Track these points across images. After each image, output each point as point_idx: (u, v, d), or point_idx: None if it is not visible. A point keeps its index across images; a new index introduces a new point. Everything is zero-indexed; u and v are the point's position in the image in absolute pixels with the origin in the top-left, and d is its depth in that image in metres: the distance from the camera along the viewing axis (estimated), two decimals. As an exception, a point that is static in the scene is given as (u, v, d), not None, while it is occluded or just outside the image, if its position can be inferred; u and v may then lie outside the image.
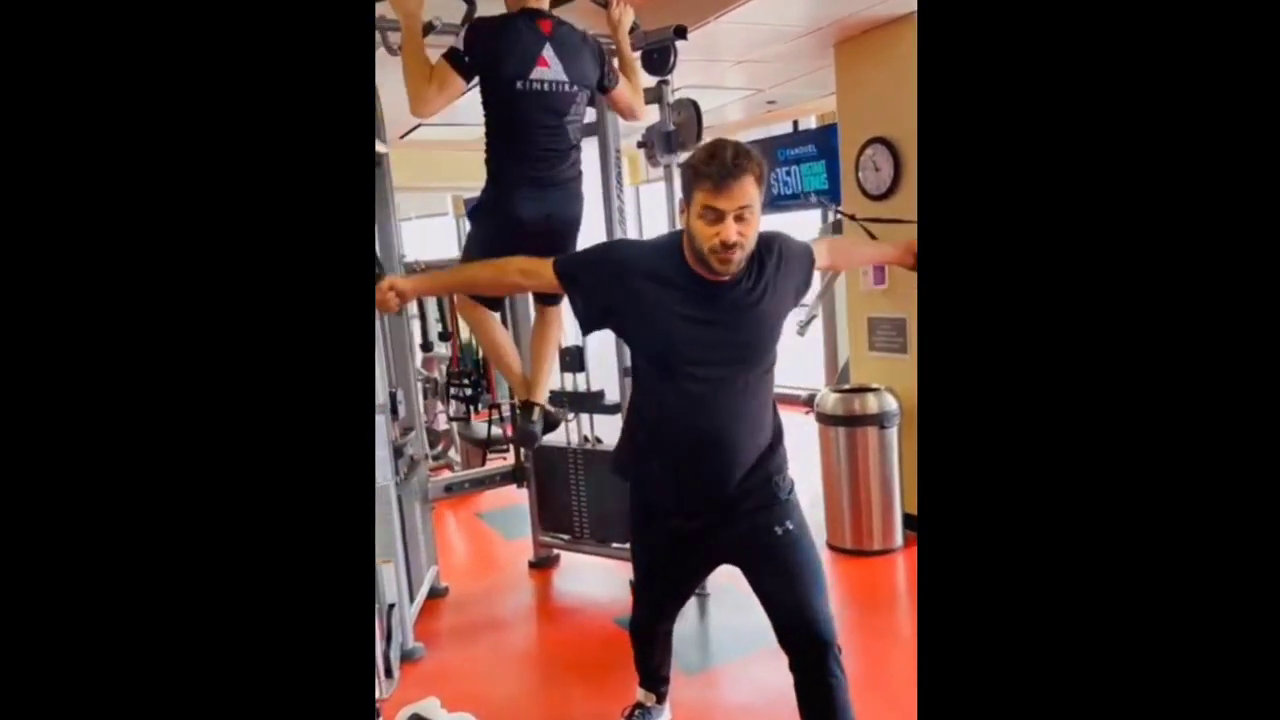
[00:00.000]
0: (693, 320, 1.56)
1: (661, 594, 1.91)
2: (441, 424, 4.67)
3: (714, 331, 1.57)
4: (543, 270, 1.68)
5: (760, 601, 1.68)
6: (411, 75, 2.18)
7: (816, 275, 1.83)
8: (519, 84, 2.23)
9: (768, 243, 1.62)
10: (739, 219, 1.48)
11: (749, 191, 1.48)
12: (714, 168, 1.47)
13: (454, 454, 4.78)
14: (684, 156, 2.72)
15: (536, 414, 2.48)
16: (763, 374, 1.65)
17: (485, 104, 2.33)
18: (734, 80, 3.97)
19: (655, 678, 2.07)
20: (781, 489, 1.71)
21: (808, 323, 4.27)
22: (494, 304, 2.57)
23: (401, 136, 5.19)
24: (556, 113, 2.30)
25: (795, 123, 5.76)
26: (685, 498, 1.67)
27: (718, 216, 1.47)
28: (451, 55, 2.17)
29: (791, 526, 1.68)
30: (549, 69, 2.25)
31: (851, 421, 3.23)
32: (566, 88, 2.29)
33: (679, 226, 1.62)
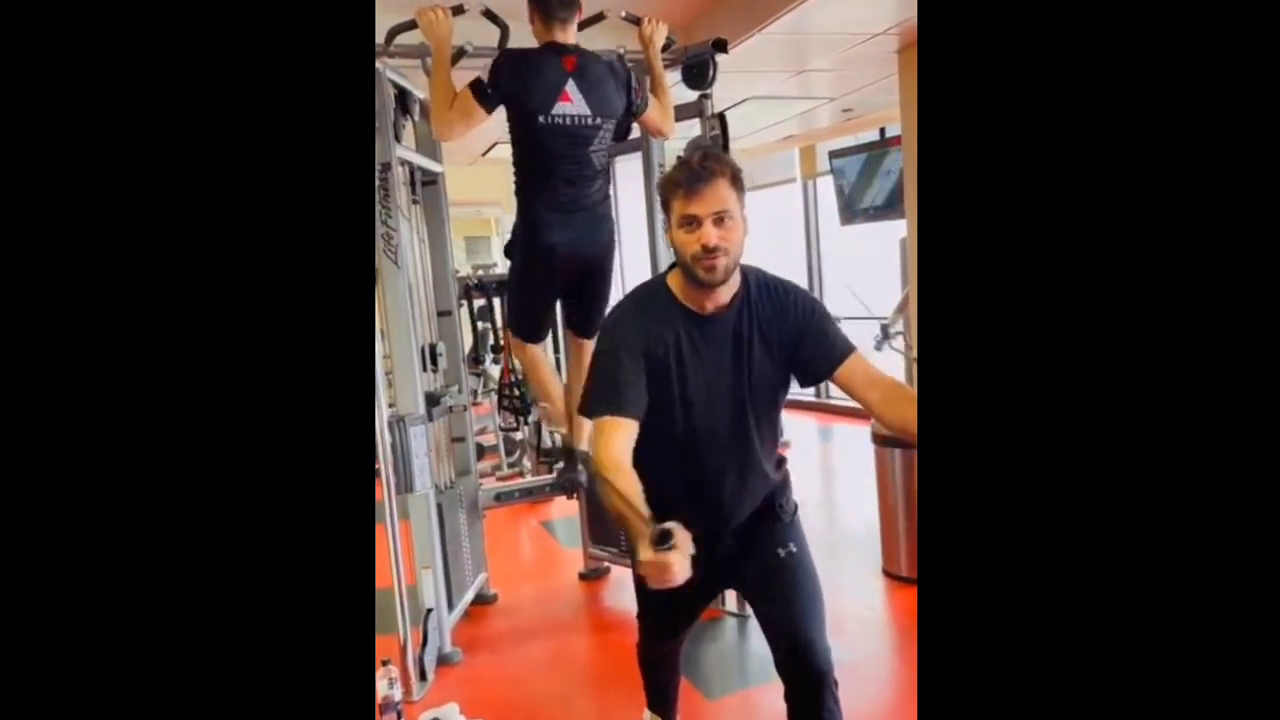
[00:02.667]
0: (687, 356, 1.53)
1: (664, 619, 1.87)
2: (518, 434, 4.80)
3: (709, 368, 1.54)
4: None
5: (760, 626, 1.64)
6: (436, 101, 2.27)
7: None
8: (541, 118, 2.30)
9: (782, 287, 1.59)
10: (718, 223, 1.45)
11: (723, 194, 1.46)
12: (683, 174, 1.46)
13: (526, 461, 4.90)
14: (781, 165, 2.70)
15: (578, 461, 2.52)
16: (766, 409, 1.60)
17: (512, 137, 2.41)
18: (793, 90, 3.89)
19: (662, 700, 2.04)
20: (785, 511, 1.67)
21: (885, 338, 4.12)
22: (537, 338, 2.64)
23: (484, 154, 5.38)
24: (580, 145, 2.35)
25: (882, 130, 5.58)
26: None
27: (695, 222, 1.46)
28: (475, 86, 2.25)
29: (794, 549, 1.63)
30: (571, 104, 2.31)
31: (908, 443, 3.09)
32: (590, 121, 2.35)
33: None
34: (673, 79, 2.73)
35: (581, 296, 2.57)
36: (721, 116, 2.65)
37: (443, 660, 2.68)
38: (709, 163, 1.46)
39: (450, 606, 2.81)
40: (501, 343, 3.25)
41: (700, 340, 1.53)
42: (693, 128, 2.80)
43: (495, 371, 4.35)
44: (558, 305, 2.76)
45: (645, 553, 1.23)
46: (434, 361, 2.79)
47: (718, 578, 1.75)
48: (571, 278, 2.48)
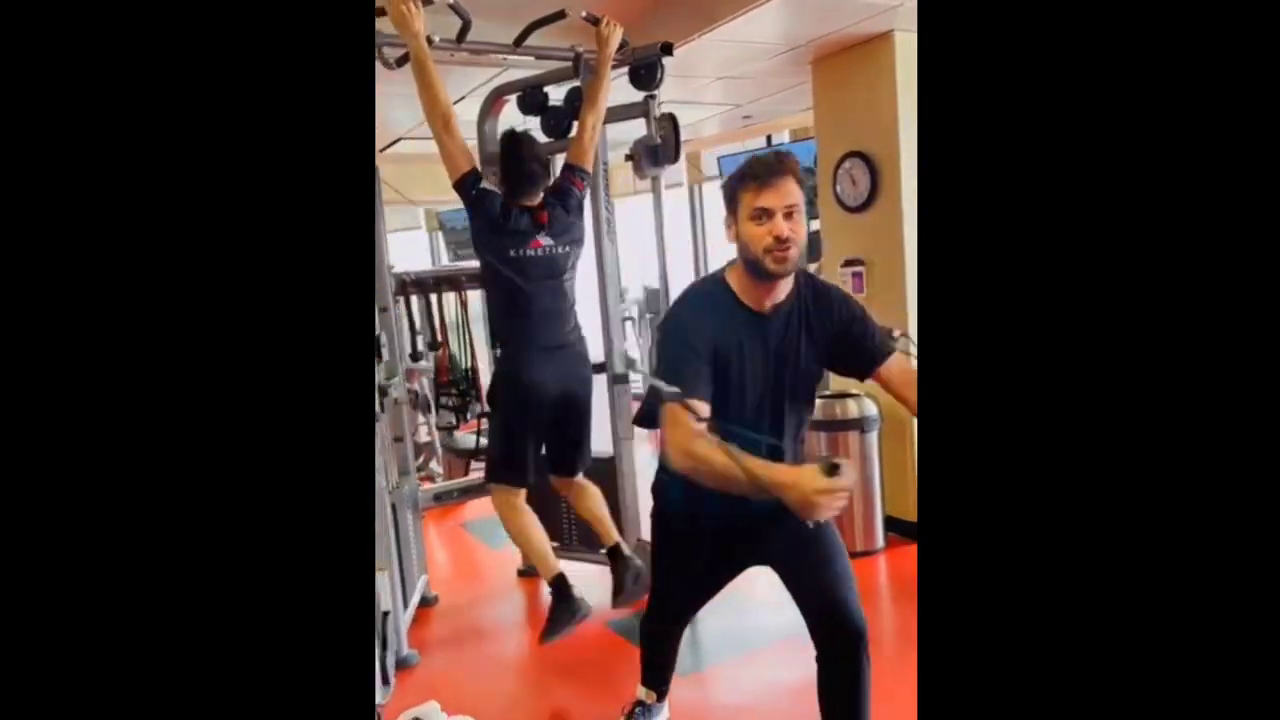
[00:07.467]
0: (748, 357, 1.62)
1: (683, 597, 1.94)
2: (423, 436, 4.68)
3: (761, 367, 1.64)
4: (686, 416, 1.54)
5: (792, 595, 1.72)
6: (428, 99, 2.27)
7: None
8: (512, 252, 2.41)
9: (825, 286, 1.73)
10: (788, 216, 1.55)
11: (793, 190, 1.57)
12: (759, 168, 1.57)
13: (435, 465, 4.79)
14: (668, 170, 2.82)
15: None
16: (803, 399, 1.72)
17: (483, 269, 2.50)
18: (712, 96, 4.07)
19: (659, 676, 2.10)
20: None
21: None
22: (524, 481, 2.59)
23: (383, 150, 5.21)
24: (552, 274, 2.47)
25: (769, 137, 5.88)
26: (725, 505, 1.60)
27: (768, 215, 1.55)
28: (472, 174, 2.38)
29: (822, 520, 1.71)
30: (541, 248, 2.44)
31: (833, 426, 3.31)
32: (560, 249, 2.47)
33: (728, 245, 1.66)
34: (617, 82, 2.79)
35: (561, 436, 2.60)
36: (672, 117, 2.75)
37: (401, 663, 2.62)
38: (782, 158, 1.58)
39: (404, 607, 2.75)
40: (439, 339, 3.19)
41: (759, 338, 1.63)
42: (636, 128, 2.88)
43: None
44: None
45: (819, 480, 1.37)
46: (378, 354, 2.74)
47: (745, 555, 1.82)
48: (549, 419, 2.53)
